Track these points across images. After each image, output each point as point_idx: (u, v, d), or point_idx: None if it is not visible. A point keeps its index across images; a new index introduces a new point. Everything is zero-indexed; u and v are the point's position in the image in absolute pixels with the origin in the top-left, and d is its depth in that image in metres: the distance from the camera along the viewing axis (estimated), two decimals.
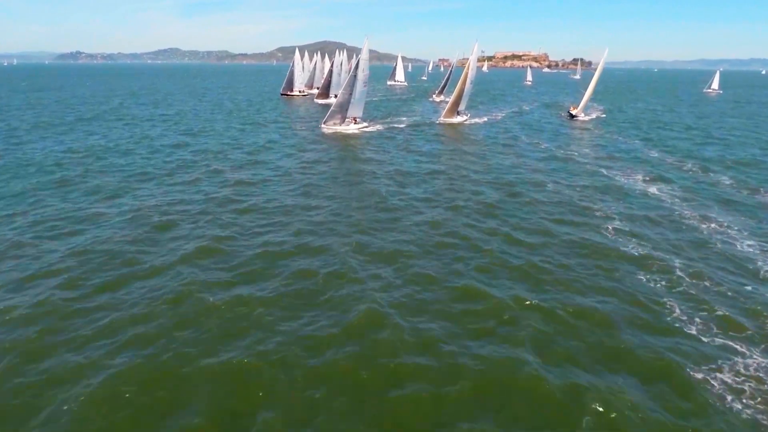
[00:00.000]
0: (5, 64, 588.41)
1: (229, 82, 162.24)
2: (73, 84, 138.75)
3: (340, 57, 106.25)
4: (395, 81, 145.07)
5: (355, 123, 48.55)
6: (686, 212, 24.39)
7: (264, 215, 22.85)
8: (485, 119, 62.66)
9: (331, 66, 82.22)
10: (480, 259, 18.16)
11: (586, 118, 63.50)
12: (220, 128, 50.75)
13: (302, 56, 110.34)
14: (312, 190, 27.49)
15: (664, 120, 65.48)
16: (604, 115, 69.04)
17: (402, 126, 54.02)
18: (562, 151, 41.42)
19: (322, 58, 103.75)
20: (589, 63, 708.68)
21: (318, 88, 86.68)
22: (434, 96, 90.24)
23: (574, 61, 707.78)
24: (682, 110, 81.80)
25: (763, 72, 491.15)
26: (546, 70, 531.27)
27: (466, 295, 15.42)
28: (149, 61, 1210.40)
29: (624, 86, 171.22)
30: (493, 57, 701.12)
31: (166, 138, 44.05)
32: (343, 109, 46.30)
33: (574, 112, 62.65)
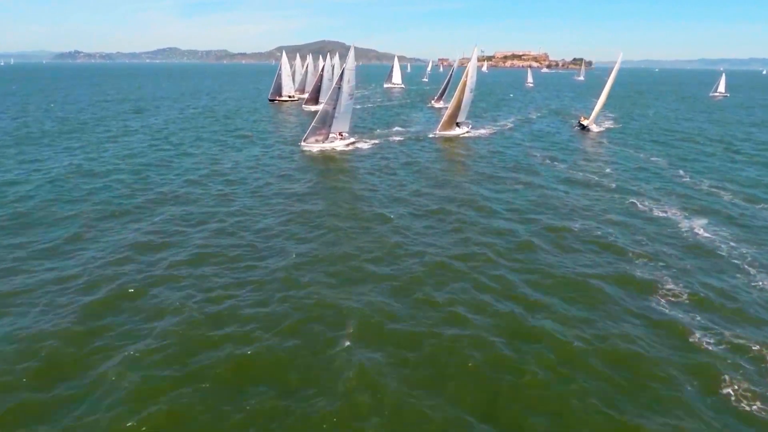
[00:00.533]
0: (2, 63, 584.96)
1: (221, 85, 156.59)
2: (66, 86, 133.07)
3: (332, 60, 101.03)
4: (392, 84, 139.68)
5: (341, 138, 43.01)
6: (752, 261, 19.20)
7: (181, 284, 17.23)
8: (490, 130, 57.05)
9: (322, 70, 76.49)
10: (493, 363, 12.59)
11: (599, 129, 57.92)
12: (188, 153, 45.20)
13: (294, 58, 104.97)
14: (272, 247, 21.89)
15: (682, 130, 59.91)
16: (616, 125, 63.44)
17: (396, 140, 48.45)
18: (581, 174, 35.97)
19: (315, 59, 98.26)
20: (590, 63, 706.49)
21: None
22: (433, 101, 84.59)
23: (575, 61, 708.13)
24: (697, 117, 76.29)
25: (764, 72, 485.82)
26: (545, 70, 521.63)
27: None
28: (148, 61, 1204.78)
29: (629, 89, 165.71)
30: (493, 57, 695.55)
31: (142, 156, 38.69)
32: (325, 125, 40.73)
33: (585, 123, 57.07)
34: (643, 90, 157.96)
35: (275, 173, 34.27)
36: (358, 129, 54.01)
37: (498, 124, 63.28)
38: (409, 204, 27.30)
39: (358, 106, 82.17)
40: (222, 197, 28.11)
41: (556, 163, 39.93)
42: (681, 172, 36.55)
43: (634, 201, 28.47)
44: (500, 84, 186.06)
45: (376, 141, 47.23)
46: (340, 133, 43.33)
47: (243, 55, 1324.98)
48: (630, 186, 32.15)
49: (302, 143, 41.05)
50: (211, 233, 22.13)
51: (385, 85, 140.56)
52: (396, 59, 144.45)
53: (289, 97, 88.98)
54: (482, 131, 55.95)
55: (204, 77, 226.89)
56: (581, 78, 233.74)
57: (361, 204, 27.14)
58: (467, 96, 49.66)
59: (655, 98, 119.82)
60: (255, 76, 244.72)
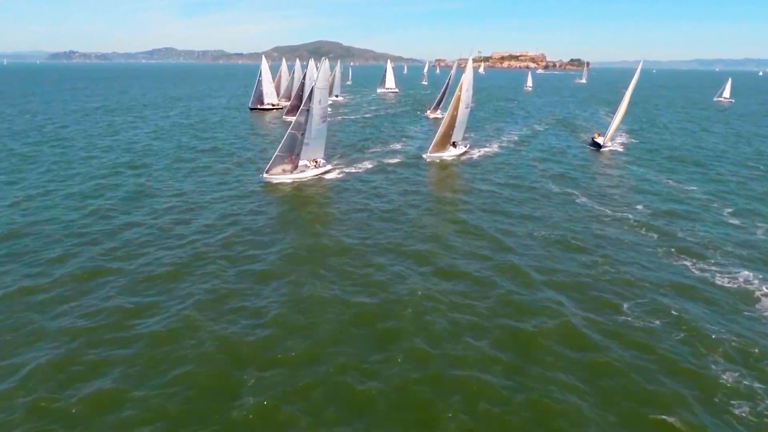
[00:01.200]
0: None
1: (209, 88, 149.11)
2: (45, 91, 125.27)
3: (320, 66, 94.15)
4: (385, 88, 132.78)
5: (315, 166, 35.95)
6: None
7: None
8: (490, 148, 50.03)
9: (303, 77, 69.31)
10: None
11: (614, 146, 50.96)
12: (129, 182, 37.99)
13: (290, 59, 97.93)
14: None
15: (708, 147, 53.06)
16: (632, 140, 56.52)
17: (383, 164, 41.43)
18: (609, 210, 29.43)
19: (303, 60, 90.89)
20: (587, 63, 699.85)
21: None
22: (429, 111, 77.46)
23: (572, 62, 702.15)
24: (714, 128, 69.65)
25: (761, 73, 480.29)
26: (540, 71, 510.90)
27: None
28: (144, 61, 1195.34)
29: (634, 94, 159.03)
30: (491, 57, 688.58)
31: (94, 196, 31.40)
32: (292, 153, 33.60)
33: (600, 141, 50.06)
34: (648, 95, 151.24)
35: (222, 220, 27.11)
36: (339, 150, 46.96)
37: (500, 139, 56.20)
38: (379, 290, 19.73)
39: (351, 117, 75.09)
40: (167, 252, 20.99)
41: (575, 196, 33.02)
42: (727, 211, 29.73)
43: (685, 260, 21.64)
44: (499, 88, 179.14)
45: (359, 167, 40.14)
46: (315, 160, 36.35)
47: (240, 55, 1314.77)
48: (673, 229, 25.52)
49: (264, 175, 33.80)
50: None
51: (379, 90, 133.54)
52: (389, 63, 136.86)
53: (272, 105, 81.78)
54: (482, 150, 48.90)
55: (197, 79, 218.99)
56: (583, 81, 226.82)
57: (323, 289, 19.98)
58: (462, 112, 42.68)
59: (667, 105, 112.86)
60: (247, 77, 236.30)
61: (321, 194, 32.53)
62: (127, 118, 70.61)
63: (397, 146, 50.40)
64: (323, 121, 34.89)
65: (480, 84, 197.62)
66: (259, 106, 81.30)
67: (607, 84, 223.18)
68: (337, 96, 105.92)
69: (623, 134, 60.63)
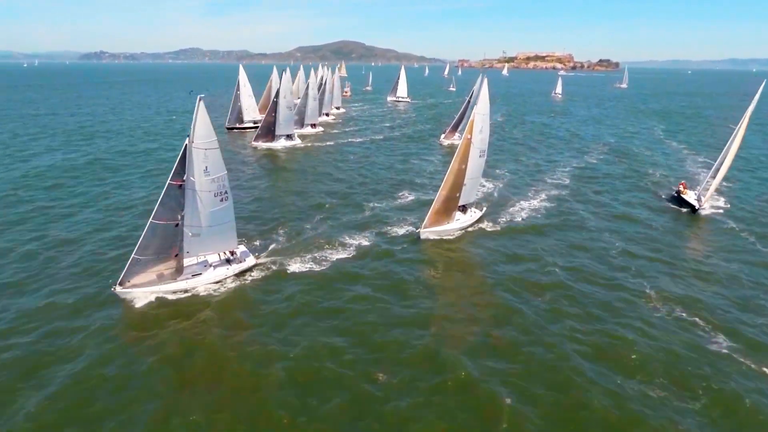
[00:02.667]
0: (25, 65, 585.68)
1: (212, 94, 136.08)
2: (25, 98, 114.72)
3: (322, 72, 79.18)
4: (396, 97, 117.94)
5: (232, 259, 21.28)
6: None
7: None
8: (522, 206, 34.09)
9: (276, 96, 54.65)
10: None
11: (715, 205, 34.30)
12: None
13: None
14: None
15: None
16: (743, 194, 39.10)
17: (360, 248, 26.25)
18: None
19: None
20: (617, 64, 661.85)
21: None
22: (443, 137, 61.59)
23: (601, 63, 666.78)
24: None
25: None
26: (562, 72, 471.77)
27: None
28: (170, 61, 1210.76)
29: (689, 103, 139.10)
30: (515, 58, 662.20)
31: None
32: (169, 251, 18.66)
33: (691, 199, 33.69)
34: (707, 105, 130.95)
35: None
36: (294, 215, 31.95)
37: (535, 187, 40.04)
38: None
39: (342, 143, 59.67)
40: None
41: (699, 329, 17.21)
42: None
43: None
44: (526, 95, 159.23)
45: (310, 256, 24.98)
46: (232, 252, 21.61)
47: (263, 55, 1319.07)
48: None
49: (117, 288, 18.93)
50: None
51: (389, 99, 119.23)
52: (403, 69, 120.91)
53: (255, 123, 67.40)
54: (509, 211, 32.99)
55: (208, 81, 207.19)
56: (623, 85, 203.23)
57: None
58: (474, 164, 27.30)
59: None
60: (260, 79, 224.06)
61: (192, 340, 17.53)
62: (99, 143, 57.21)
63: (391, 204, 35.04)
64: (223, 201, 19.93)
65: (502, 89, 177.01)
66: (237, 126, 67.21)
67: (651, 89, 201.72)
68: (337, 108, 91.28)
69: (704, 170, 43.81)
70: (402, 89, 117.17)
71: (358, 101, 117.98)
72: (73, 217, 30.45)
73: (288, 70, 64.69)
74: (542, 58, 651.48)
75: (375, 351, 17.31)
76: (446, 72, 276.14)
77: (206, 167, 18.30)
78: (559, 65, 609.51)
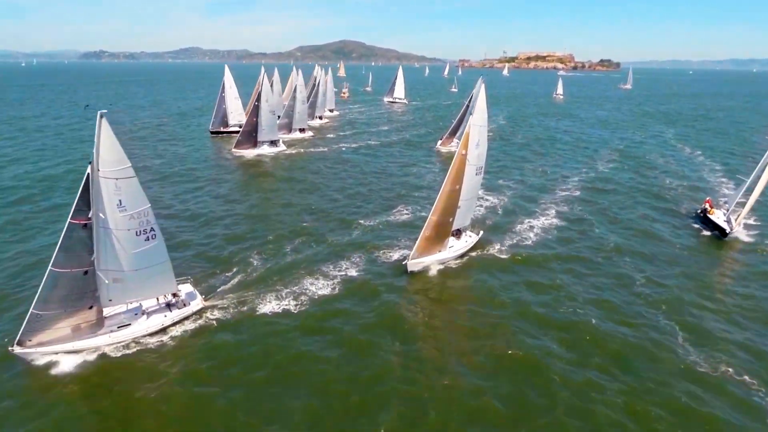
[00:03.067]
0: (23, 64, 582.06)
1: (201, 97, 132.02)
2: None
3: (320, 74, 74.68)
4: (393, 98, 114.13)
5: (172, 304, 17.51)
6: None
7: None
8: (526, 227, 29.98)
9: (257, 99, 50.65)
10: None
11: (744, 231, 30.06)
12: None
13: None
14: None
15: None
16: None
17: (334, 289, 22.26)
18: None
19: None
20: (618, 64, 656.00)
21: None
22: (440, 143, 57.29)
23: (602, 63, 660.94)
24: None
25: None
26: (562, 72, 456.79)
27: None
28: (170, 60, 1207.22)
29: (696, 103, 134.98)
30: (516, 58, 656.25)
31: None
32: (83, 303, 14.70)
33: (720, 221, 29.60)
34: (715, 107, 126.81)
35: None
36: (254, 245, 27.89)
37: (542, 202, 35.92)
38: None
39: (334, 148, 55.27)
40: None
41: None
42: None
43: None
44: (527, 95, 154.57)
45: (302, 292, 21.05)
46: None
47: (263, 55, 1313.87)
48: None
49: (15, 348, 14.88)
50: None
51: (386, 100, 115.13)
52: (400, 70, 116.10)
53: (239, 127, 63.24)
54: (510, 234, 28.88)
55: (201, 82, 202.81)
56: (628, 86, 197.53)
57: None
58: (470, 183, 23.30)
59: (755, 127, 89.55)
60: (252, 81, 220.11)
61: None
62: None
63: (383, 221, 31.03)
64: (149, 240, 15.88)
65: (502, 90, 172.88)
66: (222, 129, 63.17)
67: (655, 90, 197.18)
68: (331, 110, 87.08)
69: (733, 187, 39.78)
70: (399, 90, 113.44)
71: (356, 102, 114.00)
72: None
73: (276, 70, 60.83)
74: (543, 58, 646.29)
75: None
76: (446, 72, 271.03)
77: (120, 201, 14.29)
78: (560, 65, 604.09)
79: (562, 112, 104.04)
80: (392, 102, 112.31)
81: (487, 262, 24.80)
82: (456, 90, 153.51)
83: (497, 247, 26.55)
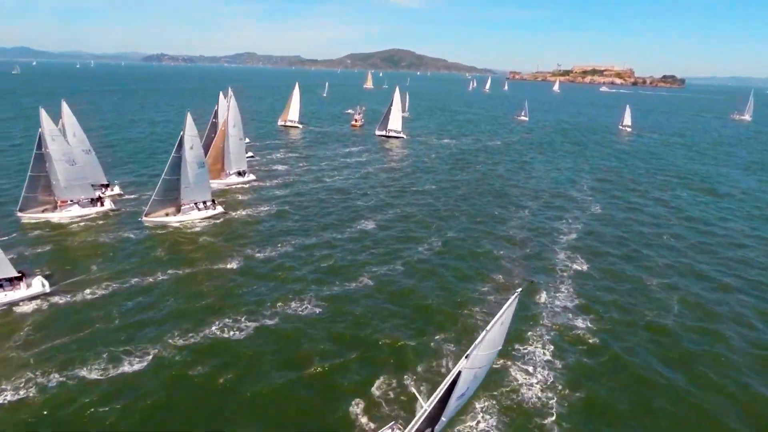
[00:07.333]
0: (78, 66, 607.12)
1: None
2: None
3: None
4: (387, 130, 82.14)
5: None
6: None
7: None
8: None
9: (225, 123, 34.37)
10: None
11: None
12: None
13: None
14: None
15: None
16: None
17: None
18: None
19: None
20: (682, 81, 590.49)
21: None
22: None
23: (665, 79, 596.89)
24: None
25: None
26: (605, 89, 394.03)
27: None
28: (225, 65, 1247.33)
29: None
30: (571, 71, 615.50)
31: None
32: None
33: None
34: None
35: None
36: None
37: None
38: None
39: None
40: None
41: None
42: None
43: None
44: (583, 129, 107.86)
45: None
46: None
47: (314, 61, 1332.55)
48: None
49: None
50: None
51: (377, 133, 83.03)
52: (397, 91, 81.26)
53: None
54: None
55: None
56: (746, 117, 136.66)
57: None
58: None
59: None
60: (303, 88, 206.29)
61: None
62: None
63: None
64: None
65: (551, 115, 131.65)
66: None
67: None
68: (240, 174, 56.20)
69: None
70: (395, 122, 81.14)
71: (364, 142, 78.54)
72: None
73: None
74: (600, 72, 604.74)
75: None
76: (487, 86, 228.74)
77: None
78: (618, 80, 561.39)
79: (655, 167, 64.86)
80: (385, 137, 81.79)
81: None
82: (526, 118, 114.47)
83: None
